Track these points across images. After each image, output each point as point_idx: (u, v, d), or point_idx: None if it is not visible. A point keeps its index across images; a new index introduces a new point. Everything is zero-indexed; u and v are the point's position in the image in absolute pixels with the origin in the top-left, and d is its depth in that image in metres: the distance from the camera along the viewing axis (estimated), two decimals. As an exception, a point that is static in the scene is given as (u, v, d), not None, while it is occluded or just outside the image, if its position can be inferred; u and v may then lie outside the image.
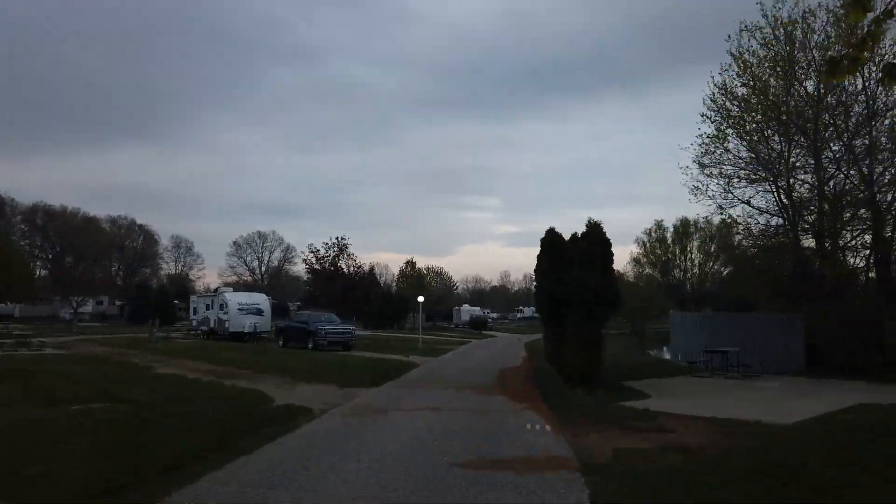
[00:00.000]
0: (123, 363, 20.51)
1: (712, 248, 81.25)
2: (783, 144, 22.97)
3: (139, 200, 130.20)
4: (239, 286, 77.32)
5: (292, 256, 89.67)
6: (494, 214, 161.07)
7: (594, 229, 13.70)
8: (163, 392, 12.89)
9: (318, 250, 44.20)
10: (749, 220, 24.17)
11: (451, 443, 8.30)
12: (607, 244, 13.70)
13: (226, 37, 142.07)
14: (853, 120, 21.12)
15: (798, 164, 22.92)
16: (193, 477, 6.41)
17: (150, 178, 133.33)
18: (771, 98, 22.06)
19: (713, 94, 23.24)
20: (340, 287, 42.93)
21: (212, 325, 36.87)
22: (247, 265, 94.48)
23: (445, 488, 6.20)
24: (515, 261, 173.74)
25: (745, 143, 23.42)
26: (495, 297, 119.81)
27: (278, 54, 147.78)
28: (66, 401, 11.39)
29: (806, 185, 23.06)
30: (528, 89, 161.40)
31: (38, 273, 79.37)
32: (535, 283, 18.72)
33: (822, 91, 21.10)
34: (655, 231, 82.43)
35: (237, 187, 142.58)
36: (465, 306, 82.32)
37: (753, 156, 23.31)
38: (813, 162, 22.00)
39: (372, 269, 48.24)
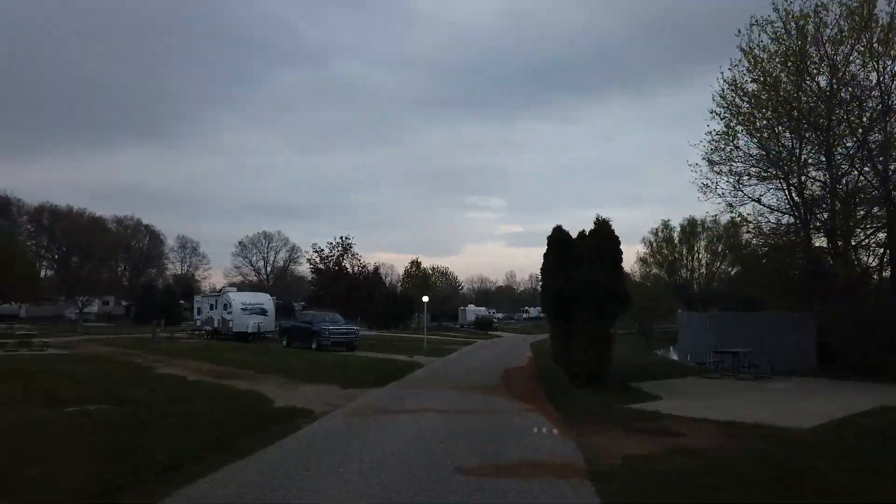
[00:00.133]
0: (126, 363, 20.30)
1: (720, 248, 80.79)
2: (794, 141, 22.56)
3: (144, 200, 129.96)
4: (244, 286, 77.25)
5: (297, 256, 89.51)
6: (498, 214, 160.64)
7: (603, 226, 13.38)
8: (163, 393, 12.65)
9: (323, 250, 44.04)
10: (759, 218, 23.76)
11: (456, 445, 8.01)
12: (616, 241, 13.38)
13: (228, 37, 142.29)
14: (867, 115, 20.72)
15: (810, 161, 22.53)
16: (192, 478, 6.24)
17: (154, 179, 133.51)
18: (782, 94, 21.66)
19: (722, 90, 22.88)
20: (345, 287, 42.68)
21: (216, 325, 36.71)
22: (252, 265, 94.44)
23: (448, 493, 5.92)
24: (520, 261, 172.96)
25: (755, 140, 23.02)
26: (501, 297, 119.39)
27: (280, 55, 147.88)
28: (67, 401, 11.17)
29: (818, 183, 22.65)
30: (529, 89, 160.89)
31: (44, 273, 79.72)
32: (541, 282, 18.39)
33: (836, 86, 20.68)
34: (662, 231, 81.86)
35: (241, 187, 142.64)
36: (471, 306, 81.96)
37: (764, 153, 22.92)
38: (825, 159, 21.59)
39: (377, 268, 47.98)
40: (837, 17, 20.16)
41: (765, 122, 22.64)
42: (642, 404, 11.97)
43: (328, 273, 43.22)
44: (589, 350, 13.58)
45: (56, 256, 78.63)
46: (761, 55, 21.75)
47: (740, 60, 22.17)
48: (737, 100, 22.82)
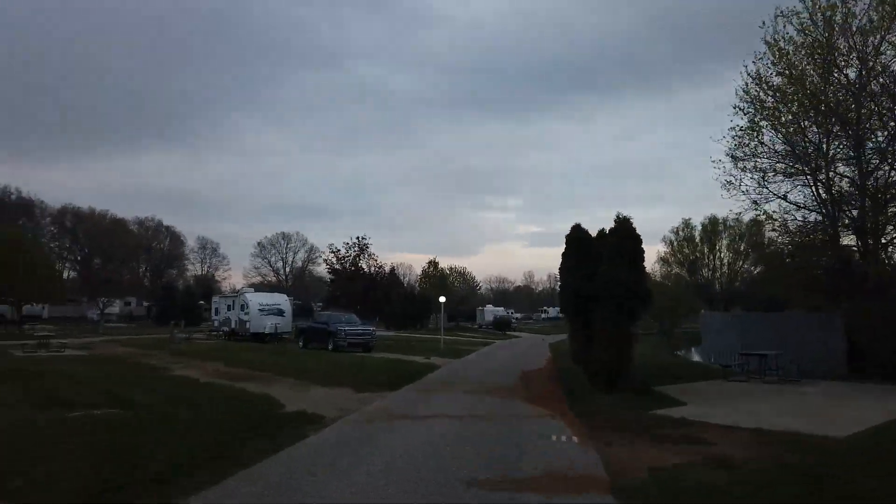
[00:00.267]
0: (141, 364, 20.22)
1: (742, 247, 79.49)
2: (821, 136, 21.83)
3: (165, 202, 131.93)
4: (263, 287, 77.53)
5: (316, 257, 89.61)
6: (518, 215, 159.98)
7: (624, 224, 12.89)
8: (173, 396, 12.42)
9: (339, 250, 43.83)
10: (785, 215, 23.01)
11: (469, 455, 7.63)
12: (637, 239, 12.89)
13: (248, 40, 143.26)
14: (900, 108, 19.91)
15: (838, 156, 21.77)
16: (184, 492, 5.86)
17: (176, 181, 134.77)
18: (808, 87, 20.95)
19: (746, 84, 22.17)
20: (361, 287, 42.47)
21: (233, 325, 36.71)
22: (271, 266, 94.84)
23: (460, 511, 5.54)
24: (539, 261, 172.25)
25: (780, 136, 22.31)
26: (519, 297, 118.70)
27: (302, 57, 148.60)
28: (73, 405, 10.97)
29: (846, 179, 21.88)
30: (548, 89, 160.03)
31: (67, 275, 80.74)
32: (559, 282, 17.93)
33: (866, 78, 19.94)
34: (683, 230, 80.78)
35: (262, 189, 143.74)
36: (489, 307, 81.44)
37: (789, 148, 22.20)
38: (854, 154, 20.83)
39: (393, 269, 47.65)
40: (867, 6, 19.44)
41: (790, 116, 21.92)
42: (667, 409, 11.47)
43: (344, 273, 43.03)
44: (609, 351, 13.10)
45: (79, 258, 79.58)
46: (786, 47, 21.06)
47: (765, 53, 21.48)
48: (761, 94, 22.13)
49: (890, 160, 20.33)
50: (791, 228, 23.27)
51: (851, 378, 17.92)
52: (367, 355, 24.72)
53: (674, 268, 77.89)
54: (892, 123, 19.84)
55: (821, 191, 22.01)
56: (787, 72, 21.26)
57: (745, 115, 22.17)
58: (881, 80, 19.79)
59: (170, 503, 5.62)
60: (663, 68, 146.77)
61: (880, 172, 20.86)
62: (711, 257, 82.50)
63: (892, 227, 21.06)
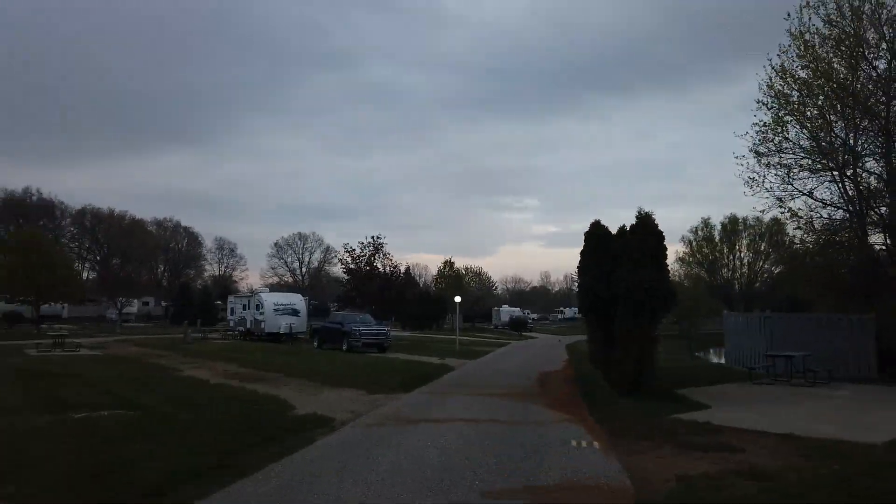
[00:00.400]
0: (152, 364, 20.06)
1: (763, 246, 78.16)
2: (848, 130, 21.10)
3: (183, 203, 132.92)
4: (280, 287, 77.67)
5: (332, 257, 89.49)
6: (534, 215, 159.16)
7: (645, 220, 12.36)
8: (178, 397, 12.15)
9: (354, 250, 43.56)
10: (811, 213, 22.25)
11: (483, 463, 7.20)
12: (660, 236, 12.36)
13: (263, 42, 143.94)
14: (932, 101, 19.17)
15: (866, 151, 21.03)
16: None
17: (194, 182, 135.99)
18: (834, 80, 20.24)
19: (770, 78, 21.49)
20: (376, 287, 42.16)
21: (248, 325, 36.59)
22: (287, 266, 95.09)
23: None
24: (556, 261, 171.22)
25: (805, 131, 21.60)
26: (535, 297, 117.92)
27: (317, 58, 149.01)
28: (77, 406, 10.74)
29: (874, 175, 21.13)
30: (563, 88, 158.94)
31: (86, 275, 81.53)
32: (577, 282, 17.39)
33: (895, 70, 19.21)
34: (702, 229, 79.64)
35: (279, 190, 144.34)
36: (505, 307, 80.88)
37: (815, 144, 21.49)
38: (883, 149, 20.08)
39: (408, 268, 47.31)
40: (897, -4, 18.70)
41: (816, 110, 21.23)
42: (691, 413, 10.95)
43: (359, 273, 42.76)
44: (630, 353, 12.59)
45: (98, 258, 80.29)
46: (812, 39, 20.37)
47: (789, 46, 20.80)
48: (785, 88, 21.46)
49: (921, 155, 19.57)
50: (817, 226, 22.54)
51: (882, 381, 17.28)
52: (381, 356, 24.38)
53: (692, 268, 76.68)
54: (925, 117, 19.08)
55: (848, 187, 21.30)
56: (813, 65, 20.58)
57: (768, 109, 21.51)
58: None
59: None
60: (680, 67, 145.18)
61: (911, 168, 20.10)
62: (731, 257, 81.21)
63: (923, 226, 20.27)
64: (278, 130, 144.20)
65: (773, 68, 21.24)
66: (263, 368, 18.39)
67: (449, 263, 69.76)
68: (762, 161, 21.84)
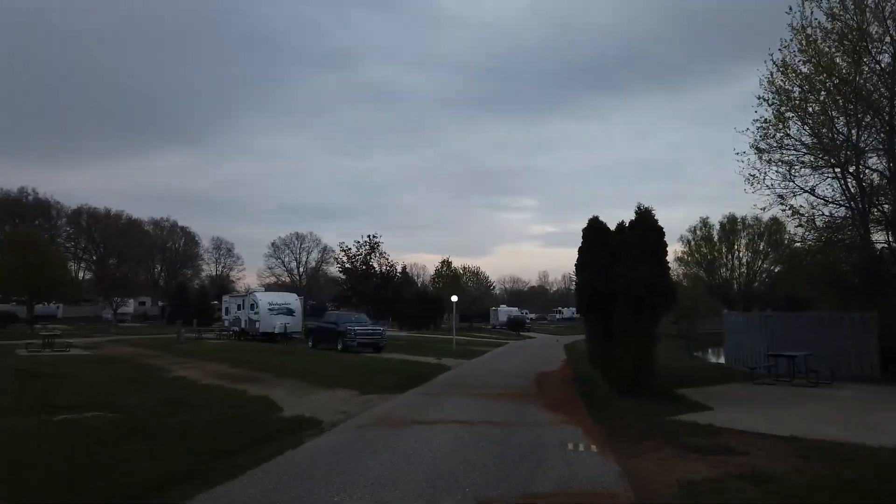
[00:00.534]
0: (143, 365, 19.72)
1: (761, 246, 77.90)
2: (850, 126, 20.79)
3: (181, 204, 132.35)
4: (277, 287, 77.32)
5: (329, 257, 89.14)
6: (532, 215, 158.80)
7: (645, 216, 12.01)
8: (165, 399, 11.81)
9: (350, 249, 43.16)
10: (812, 210, 21.93)
11: (478, 467, 6.87)
12: (660, 232, 12.01)
13: (263, 42, 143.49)
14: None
15: (869, 147, 20.71)
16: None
17: (191, 182, 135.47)
18: (835, 74, 19.91)
19: (771, 73, 21.17)
20: (373, 286, 41.80)
21: (243, 325, 36.25)
22: (285, 266, 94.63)
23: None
24: (554, 261, 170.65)
25: (807, 127, 21.29)
26: (533, 297, 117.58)
27: (315, 58, 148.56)
28: (62, 408, 10.38)
29: (877, 173, 20.82)
30: (561, 88, 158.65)
31: (82, 275, 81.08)
32: (575, 280, 17.07)
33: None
34: (701, 229, 79.36)
35: (277, 190, 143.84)
36: (503, 307, 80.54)
37: (816, 141, 21.18)
38: (887, 144, 19.76)
39: (404, 268, 46.95)
40: (902, -11, 18.39)
41: (818, 106, 20.92)
42: (692, 415, 10.62)
43: (355, 272, 42.39)
44: (630, 350, 12.23)
45: (94, 258, 79.86)
46: (815, 34, 20.05)
47: (791, 41, 20.49)
48: (786, 84, 21.13)
49: (926, 151, 19.26)
50: (819, 224, 22.22)
51: (885, 381, 16.97)
52: (376, 356, 24.04)
53: (691, 268, 76.38)
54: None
55: (850, 185, 21.00)
56: (814, 59, 20.26)
57: (769, 106, 21.20)
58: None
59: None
60: (680, 67, 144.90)
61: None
62: (730, 257, 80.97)
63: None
64: (278, 130, 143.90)
65: (774, 63, 20.94)
66: (255, 369, 18.05)
67: (446, 263, 69.47)
68: (763, 158, 21.54)
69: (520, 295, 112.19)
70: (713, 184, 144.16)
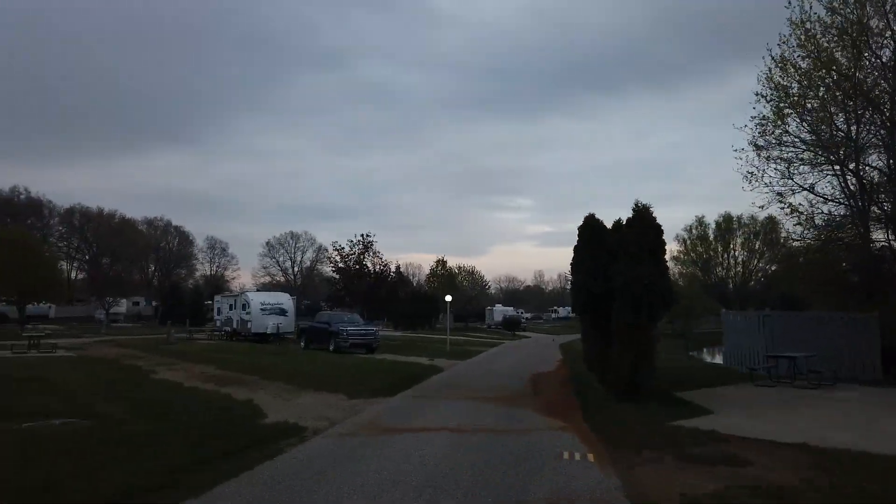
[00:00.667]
0: (127, 366, 19.18)
1: (757, 245, 77.70)
2: (850, 122, 20.41)
3: (176, 204, 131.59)
4: (272, 287, 76.71)
5: (324, 257, 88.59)
6: (528, 214, 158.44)
7: (643, 213, 11.56)
8: (143, 403, 11.30)
9: (343, 248, 42.62)
10: (811, 209, 21.52)
11: (469, 479, 6.42)
12: (658, 230, 11.56)
13: (259, 42, 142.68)
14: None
15: (868, 144, 20.33)
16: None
17: (186, 182, 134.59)
18: (834, 69, 19.51)
19: (769, 69, 20.78)
20: (366, 286, 41.29)
21: (235, 325, 35.70)
22: (279, 266, 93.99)
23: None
24: (550, 261, 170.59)
25: (805, 124, 20.90)
26: (529, 296, 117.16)
27: (311, 58, 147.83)
28: (31, 414, 9.86)
29: (877, 170, 20.43)
30: (557, 87, 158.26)
31: (75, 274, 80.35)
32: (570, 279, 16.63)
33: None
34: (696, 228, 79.08)
35: (273, 190, 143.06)
36: (498, 306, 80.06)
37: (815, 137, 20.79)
38: (888, 141, 19.37)
39: (398, 267, 46.42)
40: (904, -19, 18.00)
41: (817, 102, 20.53)
42: (693, 420, 10.18)
43: (349, 272, 41.86)
44: (627, 354, 11.77)
45: (87, 257, 79.14)
46: (814, 28, 19.65)
47: (790, 36, 20.09)
48: (785, 80, 20.73)
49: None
50: (818, 223, 21.82)
51: (887, 383, 16.57)
52: (368, 357, 23.56)
53: (687, 267, 76.09)
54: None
55: (850, 182, 20.62)
56: (814, 54, 19.86)
57: (768, 102, 20.81)
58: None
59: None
60: (673, 66, 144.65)
61: (917, 161, 19.40)
62: (725, 256, 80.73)
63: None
64: (272, 130, 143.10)
65: (772, 59, 20.53)
66: (243, 370, 17.55)
67: (442, 262, 68.97)
68: (762, 155, 21.15)
69: (515, 294, 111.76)
70: (710, 183, 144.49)
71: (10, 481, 5.95)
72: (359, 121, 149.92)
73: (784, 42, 20.26)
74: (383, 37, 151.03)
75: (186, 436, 8.28)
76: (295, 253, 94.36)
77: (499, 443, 8.35)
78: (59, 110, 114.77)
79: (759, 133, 20.98)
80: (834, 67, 19.49)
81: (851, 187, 20.74)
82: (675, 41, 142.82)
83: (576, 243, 14.46)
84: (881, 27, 18.77)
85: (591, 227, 13.93)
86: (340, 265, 42.30)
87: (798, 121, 20.86)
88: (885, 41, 18.82)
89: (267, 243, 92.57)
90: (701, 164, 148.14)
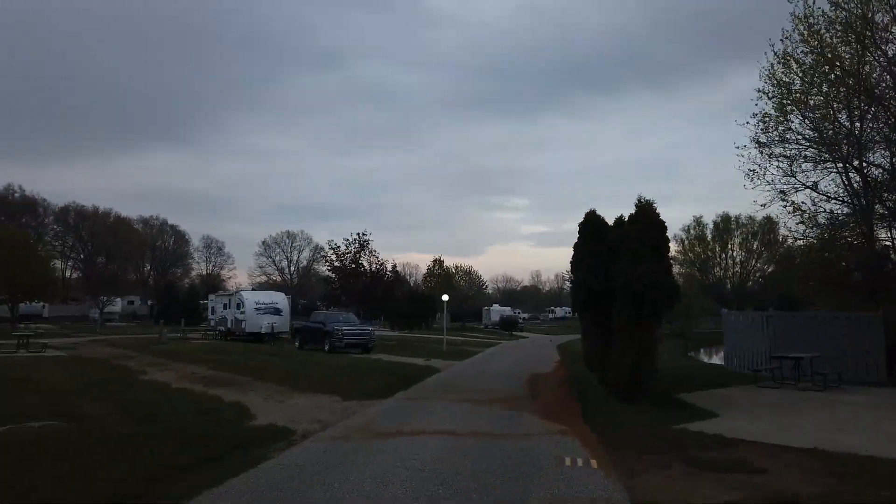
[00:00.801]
0: (116, 367, 18.76)
1: (755, 245, 77.51)
2: (853, 120, 20.08)
3: (172, 203, 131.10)
4: (268, 286, 76.20)
5: (320, 256, 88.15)
6: (525, 214, 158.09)
7: (646, 209, 11.17)
8: (129, 405, 10.90)
9: (339, 247, 42.13)
10: (814, 207, 21.18)
11: (465, 488, 6.04)
12: (662, 226, 11.17)
13: (255, 41, 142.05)
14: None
15: (873, 140, 19.99)
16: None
17: (183, 181, 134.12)
18: (838, 65, 19.18)
19: (771, 66, 20.45)
20: (362, 285, 40.83)
21: (229, 325, 35.26)
22: (276, 265, 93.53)
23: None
24: (547, 261, 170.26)
25: (808, 121, 20.58)
26: (526, 297, 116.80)
27: (308, 58, 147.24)
28: (6, 417, 9.43)
29: (882, 167, 20.10)
30: (554, 87, 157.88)
31: (69, 273, 79.82)
32: (570, 277, 16.28)
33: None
34: (694, 228, 78.88)
35: (270, 189, 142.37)
36: (495, 306, 79.67)
37: (817, 134, 20.46)
38: (893, 139, 19.04)
39: (395, 266, 45.95)
40: (909, -25, 17.67)
41: (820, 98, 20.20)
42: (698, 423, 9.81)
43: (345, 271, 41.40)
44: (629, 354, 11.38)
45: (82, 256, 78.63)
46: (818, 23, 19.32)
47: (793, 30, 19.76)
48: (787, 76, 20.41)
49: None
50: (821, 221, 21.48)
51: (892, 384, 16.23)
52: (364, 357, 23.16)
53: (685, 267, 75.89)
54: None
55: (853, 180, 20.30)
56: (817, 50, 19.52)
57: (769, 99, 20.48)
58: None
59: None
60: (670, 66, 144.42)
61: (921, 159, 19.08)
62: (723, 256, 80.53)
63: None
64: (269, 130, 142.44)
65: (774, 54, 20.21)
66: (235, 371, 17.14)
67: (439, 262, 68.55)
68: (764, 152, 20.82)
69: (512, 294, 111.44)
70: (708, 183, 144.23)
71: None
72: (358, 121, 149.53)
73: (787, 37, 19.94)
74: (382, 37, 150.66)
75: (171, 440, 7.89)
76: (291, 252, 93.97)
77: (497, 447, 7.96)
78: (58, 110, 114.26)
79: (761, 130, 20.67)
80: (838, 63, 19.16)
81: (855, 185, 20.43)
82: (675, 41, 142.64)
83: (576, 240, 14.07)
84: (886, 22, 18.44)
85: (591, 223, 13.55)
86: (336, 264, 41.83)
87: (801, 118, 20.56)
88: (891, 36, 18.49)
89: (263, 242, 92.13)
90: (700, 164, 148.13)
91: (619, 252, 11.27)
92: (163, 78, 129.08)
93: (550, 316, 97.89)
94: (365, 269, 41.87)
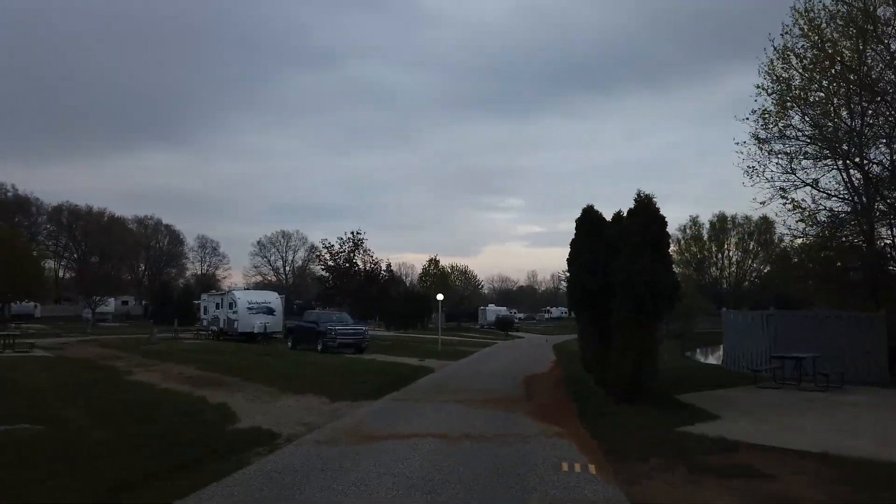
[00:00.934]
0: (103, 367, 18.37)
1: (751, 245, 77.44)
2: (854, 116, 19.78)
3: (167, 203, 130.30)
4: (264, 286, 75.71)
5: (316, 256, 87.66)
6: (521, 214, 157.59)
7: (646, 204, 10.79)
8: (110, 407, 10.51)
9: (333, 246, 41.72)
10: (813, 205, 20.86)
11: (457, 496, 5.66)
12: (662, 222, 10.79)
13: (252, 41, 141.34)
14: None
15: (873, 138, 19.70)
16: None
17: (179, 181, 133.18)
18: (838, 60, 18.87)
19: (771, 61, 20.15)
20: (356, 284, 40.43)
21: (221, 325, 34.81)
22: (271, 265, 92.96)
23: None
24: (542, 261, 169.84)
25: (808, 118, 20.27)
26: (522, 297, 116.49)
27: (304, 58, 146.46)
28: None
29: (883, 164, 19.81)
30: (550, 87, 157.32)
31: (63, 273, 79.15)
32: (567, 275, 15.88)
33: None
34: (690, 227, 78.95)
35: (265, 189, 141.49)
36: (491, 306, 79.32)
37: (817, 131, 20.16)
38: (894, 136, 18.75)
39: (389, 265, 45.55)
40: (912, -31, 17.38)
41: (821, 93, 19.90)
42: (699, 425, 9.45)
43: (338, 269, 40.99)
44: (629, 354, 11.01)
45: (76, 256, 77.98)
46: (818, 17, 19.02)
47: (793, 25, 19.47)
48: (786, 72, 20.11)
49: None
50: (821, 219, 21.16)
51: (893, 385, 15.92)
52: (357, 357, 22.77)
53: (681, 267, 75.75)
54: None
55: (853, 177, 20.01)
56: (818, 45, 19.22)
57: (769, 95, 20.18)
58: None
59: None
60: (674, 68, 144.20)
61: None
62: (720, 256, 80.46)
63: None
64: (265, 129, 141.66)
65: (774, 49, 19.93)
66: (224, 371, 16.73)
67: (434, 262, 68.17)
68: (763, 149, 20.53)
69: (508, 294, 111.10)
70: (705, 183, 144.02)
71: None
72: (357, 121, 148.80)
73: (787, 32, 19.66)
74: (381, 37, 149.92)
75: (144, 444, 7.49)
76: (286, 252, 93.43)
77: (491, 452, 7.58)
78: (58, 110, 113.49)
79: (761, 126, 20.38)
80: (838, 58, 18.86)
81: (855, 182, 20.15)
82: (674, 42, 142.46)
83: (573, 237, 13.69)
84: (889, 16, 18.15)
85: (589, 218, 13.17)
86: (330, 263, 41.42)
87: (801, 114, 20.26)
88: (893, 31, 18.19)
89: (258, 242, 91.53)
90: (699, 163, 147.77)
91: (618, 248, 10.90)
92: (162, 78, 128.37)
93: (546, 316, 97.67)
94: (359, 269, 41.47)
